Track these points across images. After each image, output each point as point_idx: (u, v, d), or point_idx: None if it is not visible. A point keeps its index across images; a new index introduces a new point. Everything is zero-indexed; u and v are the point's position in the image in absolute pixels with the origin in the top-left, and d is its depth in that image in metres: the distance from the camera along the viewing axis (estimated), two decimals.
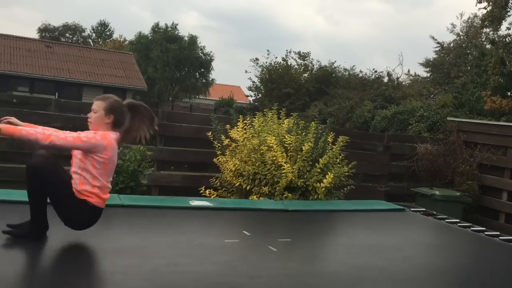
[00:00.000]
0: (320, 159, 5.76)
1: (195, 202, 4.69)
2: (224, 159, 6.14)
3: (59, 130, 3.19)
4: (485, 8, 11.88)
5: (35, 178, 3.01)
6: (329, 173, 5.70)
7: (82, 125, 6.32)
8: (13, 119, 3.20)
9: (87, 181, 3.14)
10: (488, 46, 14.85)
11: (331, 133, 6.36)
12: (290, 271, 3.23)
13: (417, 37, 65.00)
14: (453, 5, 61.51)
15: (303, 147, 5.73)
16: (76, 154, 3.19)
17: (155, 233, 3.82)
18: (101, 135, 3.15)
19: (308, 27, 75.15)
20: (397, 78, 20.90)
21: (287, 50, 30.55)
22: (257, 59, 22.17)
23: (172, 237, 3.72)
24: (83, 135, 3.12)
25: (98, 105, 3.24)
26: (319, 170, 5.69)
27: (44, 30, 46.94)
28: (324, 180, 5.62)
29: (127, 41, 40.26)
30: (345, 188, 6.24)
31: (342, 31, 68.97)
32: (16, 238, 3.09)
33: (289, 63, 21.96)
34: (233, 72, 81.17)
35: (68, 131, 3.19)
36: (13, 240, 3.11)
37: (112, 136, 3.22)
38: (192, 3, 76.03)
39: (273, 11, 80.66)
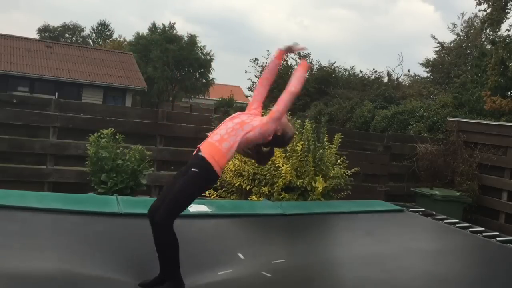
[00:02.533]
0: (308, 157, 5.71)
1: (193, 208, 4.61)
2: None
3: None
4: (485, 10, 11.89)
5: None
6: (327, 173, 5.69)
7: (82, 125, 6.38)
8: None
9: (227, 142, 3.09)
10: (488, 47, 14.84)
11: (326, 132, 6.33)
12: None
13: (383, 39, 67.97)
14: (408, 12, 69.93)
15: (297, 147, 5.72)
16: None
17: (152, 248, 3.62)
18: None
19: (282, 31, 77.54)
20: (397, 78, 20.88)
21: None
22: (256, 59, 22.15)
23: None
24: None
25: None
26: (312, 168, 5.66)
27: (44, 30, 46.94)
28: (318, 183, 5.59)
29: (126, 42, 40.29)
30: (344, 192, 6.23)
31: (313, 34, 71.82)
32: None
33: (289, 63, 21.94)
34: (226, 73, 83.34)
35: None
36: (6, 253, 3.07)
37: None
38: (176, 9, 77.17)
39: (248, 16, 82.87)
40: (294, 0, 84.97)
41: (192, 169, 2.98)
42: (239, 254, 3.72)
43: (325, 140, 6.13)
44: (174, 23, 34.88)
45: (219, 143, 3.05)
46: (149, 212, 2.98)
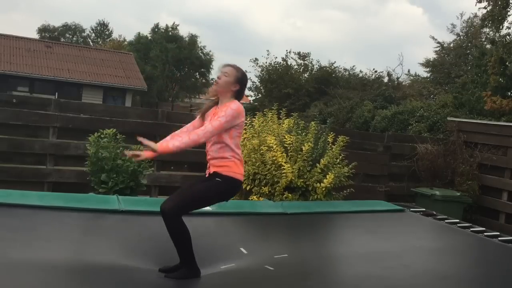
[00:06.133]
0: (321, 160, 5.75)
1: None
2: None
3: (197, 128, 3.29)
4: (485, 8, 11.86)
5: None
6: (329, 173, 5.69)
7: (82, 125, 6.38)
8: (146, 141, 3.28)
9: (226, 153, 3.22)
10: (488, 46, 14.84)
11: (331, 133, 6.35)
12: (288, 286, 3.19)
13: (375, 40, 68.63)
14: (398, 14, 70.30)
15: (303, 147, 5.72)
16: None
17: (153, 243, 3.63)
18: (235, 104, 3.22)
19: (276, 32, 78.04)
20: (397, 78, 20.87)
21: (287, 50, 30.49)
22: (256, 59, 22.13)
23: (166, 260, 3.43)
24: (223, 120, 3.15)
25: (231, 71, 3.31)
26: (319, 171, 5.68)
27: (44, 30, 46.87)
28: (325, 180, 5.61)
29: (126, 42, 40.31)
30: (345, 191, 6.23)
31: (306, 35, 72.32)
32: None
33: (289, 63, 21.94)
34: None
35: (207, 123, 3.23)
36: (14, 248, 3.10)
37: (239, 103, 3.28)
38: (172, 10, 77.42)
39: (242, 17, 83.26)
40: (286, 2, 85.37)
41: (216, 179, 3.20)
42: (242, 249, 3.75)
43: (328, 140, 6.14)
44: (178, 25, 34.90)
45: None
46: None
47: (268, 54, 30.09)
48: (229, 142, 3.21)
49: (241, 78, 3.33)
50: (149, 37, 33.69)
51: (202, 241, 3.69)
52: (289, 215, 4.89)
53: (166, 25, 33.93)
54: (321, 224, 4.89)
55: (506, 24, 11.66)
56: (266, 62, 21.74)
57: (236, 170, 3.21)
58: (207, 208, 4.67)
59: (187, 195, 3.19)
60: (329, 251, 4.21)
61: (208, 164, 3.31)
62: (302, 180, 5.64)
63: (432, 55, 24.31)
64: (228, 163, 3.20)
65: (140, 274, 3.07)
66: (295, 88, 20.19)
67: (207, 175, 3.30)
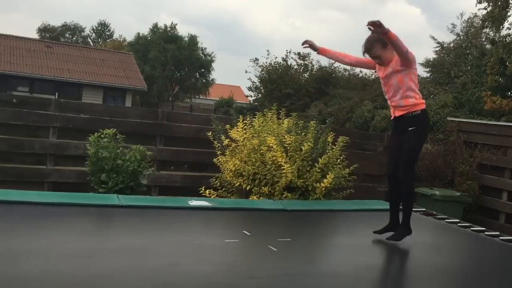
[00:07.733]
0: (319, 159, 5.75)
1: (194, 202, 4.69)
2: (224, 159, 6.13)
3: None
4: (485, 8, 11.86)
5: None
6: (329, 173, 5.69)
7: (82, 125, 6.39)
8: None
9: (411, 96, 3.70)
10: (488, 46, 14.86)
11: (331, 133, 6.35)
12: (290, 271, 3.22)
13: None
14: (396, 14, 72.90)
15: (302, 147, 5.72)
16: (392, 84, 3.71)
17: (154, 233, 3.81)
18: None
19: (275, 32, 78.40)
20: None
21: (287, 50, 30.50)
22: (256, 59, 22.14)
23: (171, 237, 3.70)
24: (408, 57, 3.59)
25: (375, 52, 3.70)
26: (318, 170, 5.68)
27: (44, 30, 46.91)
28: (324, 180, 5.61)
29: (126, 42, 40.35)
30: (345, 192, 6.23)
31: (306, 35, 72.88)
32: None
33: (289, 63, 21.95)
34: (222, 73, 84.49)
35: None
36: (15, 240, 3.11)
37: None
38: (171, 11, 77.83)
39: (241, 17, 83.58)
40: (285, 2, 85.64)
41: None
42: (245, 231, 3.89)
43: (328, 140, 6.14)
44: (176, 24, 34.91)
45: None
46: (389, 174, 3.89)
47: (268, 54, 30.08)
48: (412, 84, 3.65)
49: (379, 42, 3.62)
50: (148, 37, 33.70)
51: (203, 230, 3.79)
52: (288, 212, 4.94)
53: (165, 25, 33.95)
54: (321, 221, 4.94)
55: (506, 24, 11.69)
56: (266, 62, 21.77)
57: (420, 105, 3.68)
58: (207, 204, 4.72)
59: (408, 156, 3.70)
60: (329, 242, 4.27)
61: (392, 109, 3.83)
62: (302, 180, 5.64)
63: (432, 55, 24.33)
64: (413, 102, 3.66)
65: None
66: (295, 88, 20.20)
67: (392, 117, 3.87)
